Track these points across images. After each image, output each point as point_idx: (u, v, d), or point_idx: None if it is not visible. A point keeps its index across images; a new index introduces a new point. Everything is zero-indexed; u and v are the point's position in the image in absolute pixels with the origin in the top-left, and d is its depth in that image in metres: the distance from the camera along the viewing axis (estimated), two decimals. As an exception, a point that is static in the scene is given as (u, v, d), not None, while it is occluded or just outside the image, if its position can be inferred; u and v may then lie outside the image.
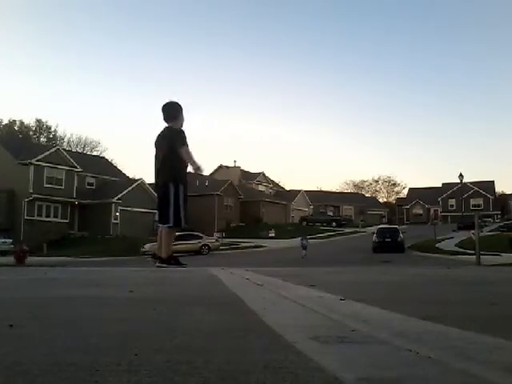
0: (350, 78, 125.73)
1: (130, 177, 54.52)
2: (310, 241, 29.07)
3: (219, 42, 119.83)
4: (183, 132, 6.26)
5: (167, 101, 6.44)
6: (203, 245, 34.28)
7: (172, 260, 6.37)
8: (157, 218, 6.67)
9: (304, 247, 26.78)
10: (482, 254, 14.34)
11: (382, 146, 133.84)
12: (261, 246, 37.26)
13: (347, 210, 75.73)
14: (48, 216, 43.48)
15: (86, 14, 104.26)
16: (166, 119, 6.34)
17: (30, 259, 21.52)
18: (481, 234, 16.21)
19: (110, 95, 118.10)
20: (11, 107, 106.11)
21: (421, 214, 77.10)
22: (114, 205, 44.53)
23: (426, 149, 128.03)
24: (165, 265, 6.16)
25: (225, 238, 41.30)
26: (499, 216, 68.65)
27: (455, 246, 30.89)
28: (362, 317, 1.78)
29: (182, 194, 6.26)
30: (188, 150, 6.18)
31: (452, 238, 38.14)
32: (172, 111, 6.34)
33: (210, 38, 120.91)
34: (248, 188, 61.60)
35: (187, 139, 6.24)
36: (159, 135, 6.39)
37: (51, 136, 72.09)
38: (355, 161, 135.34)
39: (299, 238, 28.67)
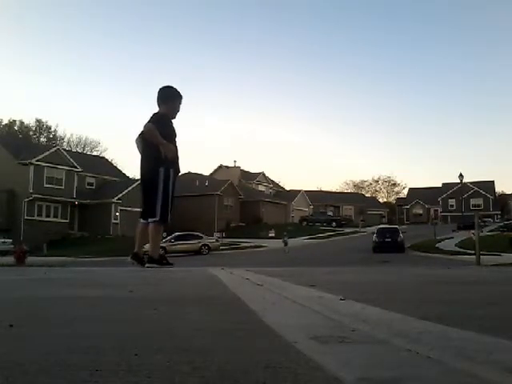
0: (349, 78, 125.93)
1: (130, 177, 54.51)
2: (309, 241, 30.72)
3: (219, 41, 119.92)
4: (158, 114, 5.85)
5: (165, 85, 6.08)
6: (203, 245, 34.30)
7: (164, 260, 6.07)
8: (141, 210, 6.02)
9: (285, 243, 31.22)
10: (482, 254, 14.33)
11: (381, 146, 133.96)
12: (261, 246, 37.26)
13: (347, 210, 75.73)
14: (48, 216, 43.51)
15: (86, 13, 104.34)
16: (157, 103, 5.97)
17: (29, 259, 21.52)
18: (481, 234, 16.22)
19: (110, 95, 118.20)
20: (11, 107, 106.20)
21: (421, 214, 77.11)
22: (113, 205, 44.58)
23: (426, 149, 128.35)
24: (155, 265, 5.69)
25: (225, 237, 41.33)
26: (499, 216, 68.64)
27: (455, 245, 30.91)
28: (361, 317, 1.78)
29: (172, 182, 5.79)
30: (151, 126, 5.64)
31: (452, 237, 38.19)
32: (160, 96, 5.98)
33: (209, 38, 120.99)
34: (248, 188, 61.61)
35: (167, 126, 5.79)
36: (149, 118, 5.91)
37: (51, 136, 72.18)
38: (355, 161, 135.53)
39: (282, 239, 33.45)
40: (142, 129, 5.80)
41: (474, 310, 2.12)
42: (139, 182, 6.05)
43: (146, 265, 5.77)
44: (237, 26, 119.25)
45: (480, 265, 12.47)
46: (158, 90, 6.06)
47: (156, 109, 6.01)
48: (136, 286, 3.25)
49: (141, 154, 5.93)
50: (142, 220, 6.02)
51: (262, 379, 0.99)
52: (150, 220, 5.79)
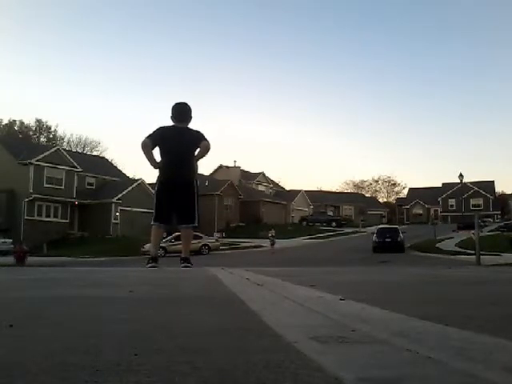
0: (349, 79, 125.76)
1: (130, 177, 54.55)
2: (309, 241, 30.98)
3: (218, 41, 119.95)
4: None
5: (183, 101, 6.31)
6: (203, 245, 34.26)
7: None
8: (182, 216, 6.23)
9: (272, 243, 32.31)
10: (482, 254, 14.35)
11: (382, 146, 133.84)
12: (261, 246, 37.24)
13: (347, 210, 75.69)
14: (48, 216, 43.47)
15: (86, 13, 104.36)
16: (185, 119, 6.20)
17: (29, 259, 21.54)
18: (481, 234, 16.22)
19: (110, 95, 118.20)
20: (11, 107, 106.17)
21: (421, 214, 77.07)
22: (113, 205, 44.52)
23: (426, 149, 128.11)
24: (189, 265, 6.15)
25: (225, 237, 41.30)
26: (499, 216, 68.58)
27: (455, 245, 30.90)
28: (361, 317, 1.78)
29: None
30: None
31: (452, 237, 38.18)
32: (191, 113, 6.27)
33: (209, 38, 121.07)
34: (248, 188, 61.56)
35: None
36: (181, 131, 6.14)
37: (51, 136, 72.08)
38: (355, 161, 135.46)
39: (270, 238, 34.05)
40: (205, 144, 6.05)
41: (474, 310, 2.12)
42: (171, 186, 6.11)
43: (183, 265, 6.15)
44: (236, 25, 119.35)
45: (480, 265, 12.48)
46: (186, 106, 6.26)
47: (169, 122, 6.22)
48: (136, 286, 3.25)
49: (184, 162, 6.11)
50: (163, 224, 6.28)
51: (262, 379, 0.99)
52: (186, 225, 6.21)
